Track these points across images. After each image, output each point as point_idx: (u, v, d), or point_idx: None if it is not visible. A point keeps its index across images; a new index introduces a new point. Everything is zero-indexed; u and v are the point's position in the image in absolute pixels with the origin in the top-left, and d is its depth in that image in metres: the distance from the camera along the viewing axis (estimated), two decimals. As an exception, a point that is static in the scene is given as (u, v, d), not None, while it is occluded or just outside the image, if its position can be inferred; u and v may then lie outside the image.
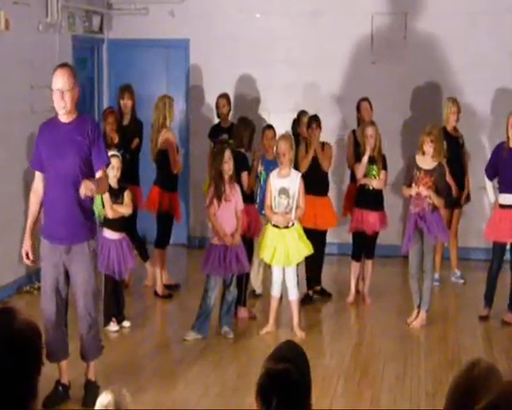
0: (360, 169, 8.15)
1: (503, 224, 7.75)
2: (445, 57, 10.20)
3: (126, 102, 8.90)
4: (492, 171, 8.00)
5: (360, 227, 8.26)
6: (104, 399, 3.12)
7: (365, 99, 9.08)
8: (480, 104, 10.12)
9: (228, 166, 7.18)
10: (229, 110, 9.45)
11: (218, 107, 9.46)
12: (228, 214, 7.24)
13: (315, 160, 8.26)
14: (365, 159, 8.10)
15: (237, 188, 7.35)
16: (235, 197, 7.28)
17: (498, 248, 7.88)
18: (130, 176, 8.39)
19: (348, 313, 8.31)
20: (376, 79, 10.26)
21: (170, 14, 10.71)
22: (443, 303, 8.69)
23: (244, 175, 7.76)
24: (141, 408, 5.42)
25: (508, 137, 7.76)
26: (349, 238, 8.63)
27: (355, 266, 8.49)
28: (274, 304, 7.48)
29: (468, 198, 9.27)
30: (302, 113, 9.12)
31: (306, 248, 7.44)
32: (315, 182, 8.08)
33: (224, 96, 9.47)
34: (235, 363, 6.75)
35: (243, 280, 7.78)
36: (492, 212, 8.18)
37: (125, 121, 8.94)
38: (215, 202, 7.20)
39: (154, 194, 8.47)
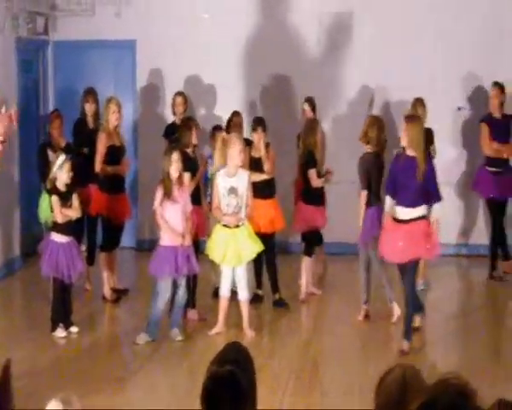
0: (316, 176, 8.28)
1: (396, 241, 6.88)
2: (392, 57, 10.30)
3: (91, 106, 8.80)
4: (393, 185, 7.00)
5: (311, 224, 8.30)
6: (53, 406, 3.09)
7: (308, 100, 9.16)
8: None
9: (175, 168, 7.18)
10: (186, 108, 9.39)
11: (174, 105, 9.38)
12: (176, 216, 7.23)
13: (259, 162, 8.27)
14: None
15: (186, 189, 7.36)
16: (183, 198, 7.27)
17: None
18: (89, 177, 8.37)
19: (299, 312, 8.33)
20: (323, 79, 10.33)
21: (116, 16, 10.62)
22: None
23: (186, 176, 7.74)
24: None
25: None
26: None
27: (308, 262, 8.49)
28: (223, 304, 7.46)
29: None
30: (235, 113, 9.14)
31: (257, 246, 7.49)
32: (259, 185, 8.03)
33: (181, 94, 9.42)
34: (184, 365, 6.75)
35: (191, 282, 7.77)
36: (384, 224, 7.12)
37: (91, 125, 8.82)
38: (163, 203, 7.19)
39: (95, 196, 8.40)
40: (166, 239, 7.26)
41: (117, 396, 6.04)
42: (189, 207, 7.35)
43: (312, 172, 8.25)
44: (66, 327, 7.39)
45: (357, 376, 6.40)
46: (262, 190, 8.11)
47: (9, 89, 9.57)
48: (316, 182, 8.23)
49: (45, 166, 8.02)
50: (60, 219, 7.26)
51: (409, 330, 6.91)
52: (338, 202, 9.51)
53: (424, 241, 6.85)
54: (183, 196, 7.28)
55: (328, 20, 10.42)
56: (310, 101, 9.28)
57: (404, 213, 6.87)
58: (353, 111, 10.31)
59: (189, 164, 7.74)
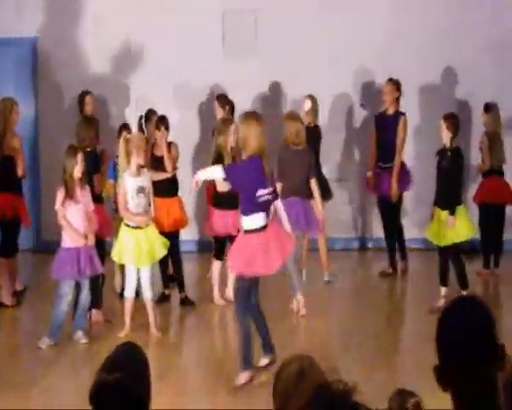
0: None
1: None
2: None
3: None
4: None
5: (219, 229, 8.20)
6: None
7: (218, 97, 9.19)
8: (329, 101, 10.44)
9: (79, 168, 7.09)
10: (95, 107, 9.24)
11: (84, 104, 9.18)
12: (78, 216, 7.16)
13: (161, 161, 8.24)
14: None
15: (87, 189, 7.30)
16: (85, 199, 7.22)
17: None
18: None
19: (209, 312, 8.31)
20: (228, 77, 10.35)
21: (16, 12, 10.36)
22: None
23: (96, 177, 7.71)
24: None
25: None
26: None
27: (217, 266, 8.34)
28: (129, 306, 7.40)
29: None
30: (150, 112, 9.07)
31: (165, 246, 7.51)
32: (162, 183, 8.02)
33: (89, 92, 9.25)
34: (88, 368, 6.62)
35: (98, 282, 7.68)
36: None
37: None
38: (66, 203, 7.10)
39: None
40: (68, 241, 7.17)
41: (20, 402, 5.92)
42: (91, 206, 7.30)
43: None
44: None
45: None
46: (165, 189, 8.10)
47: None
48: (220, 186, 7.80)
49: None
50: None
51: None
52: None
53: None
54: (84, 195, 7.22)
55: (233, 18, 10.46)
56: (219, 99, 9.25)
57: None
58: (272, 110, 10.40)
59: (93, 162, 7.66)
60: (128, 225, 7.40)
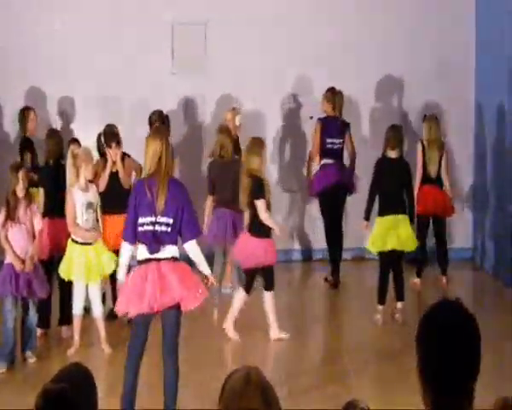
0: None
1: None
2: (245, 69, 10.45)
3: None
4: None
5: None
6: None
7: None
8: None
9: (22, 186, 6.96)
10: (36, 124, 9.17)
11: (27, 120, 9.10)
12: (20, 237, 7.00)
13: (115, 176, 8.16)
14: None
15: (34, 208, 7.14)
16: (30, 219, 7.05)
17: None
18: None
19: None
20: (177, 92, 10.36)
21: None
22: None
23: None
24: None
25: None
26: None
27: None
28: (77, 322, 7.35)
29: None
30: (108, 126, 9.00)
31: (114, 261, 7.34)
32: (117, 199, 7.74)
33: (32, 108, 9.17)
34: (39, 387, 6.54)
35: (65, 297, 7.63)
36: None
37: None
38: (7, 224, 6.95)
39: None
40: (9, 257, 7.03)
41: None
42: (38, 225, 7.12)
43: None
44: None
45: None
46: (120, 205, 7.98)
47: None
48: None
49: None
50: None
51: None
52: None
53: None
54: (29, 215, 7.05)
55: (182, 30, 10.48)
56: (155, 115, 9.14)
57: None
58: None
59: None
60: (76, 242, 7.33)
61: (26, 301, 7.10)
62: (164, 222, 5.46)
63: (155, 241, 5.45)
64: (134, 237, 5.56)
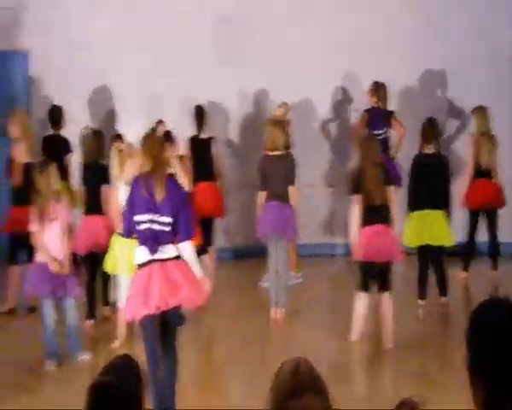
0: None
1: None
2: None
3: None
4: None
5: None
6: None
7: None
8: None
9: (51, 184, 6.91)
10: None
11: (62, 118, 9.25)
12: (55, 236, 6.94)
13: None
14: None
15: (64, 204, 7.07)
16: (61, 215, 6.99)
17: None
18: None
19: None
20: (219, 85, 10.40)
21: (10, 25, 10.38)
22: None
23: (103, 188, 7.87)
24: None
25: None
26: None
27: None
28: (123, 316, 7.28)
29: None
30: (160, 122, 9.12)
31: None
32: None
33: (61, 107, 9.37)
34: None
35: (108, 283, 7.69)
36: None
37: None
38: (41, 223, 6.87)
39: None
40: (44, 258, 6.95)
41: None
42: (69, 219, 7.08)
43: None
44: None
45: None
46: None
47: None
48: None
49: None
50: None
51: None
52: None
53: None
54: (60, 211, 7.00)
55: (224, 23, 10.50)
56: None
57: None
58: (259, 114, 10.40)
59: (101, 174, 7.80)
60: (122, 235, 7.36)
61: (62, 301, 7.06)
62: (163, 221, 5.36)
63: (154, 240, 5.36)
64: (130, 232, 5.59)
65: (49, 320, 6.94)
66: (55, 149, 8.91)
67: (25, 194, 7.83)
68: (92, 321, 7.96)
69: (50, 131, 9.34)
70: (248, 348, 7.35)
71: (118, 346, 7.29)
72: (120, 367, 2.68)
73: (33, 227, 6.90)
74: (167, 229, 5.35)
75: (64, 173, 8.57)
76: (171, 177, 5.74)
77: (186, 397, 6.17)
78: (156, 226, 5.36)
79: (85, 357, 7.12)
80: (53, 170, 6.97)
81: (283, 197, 8.00)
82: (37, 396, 6.43)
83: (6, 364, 7.16)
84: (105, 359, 6.90)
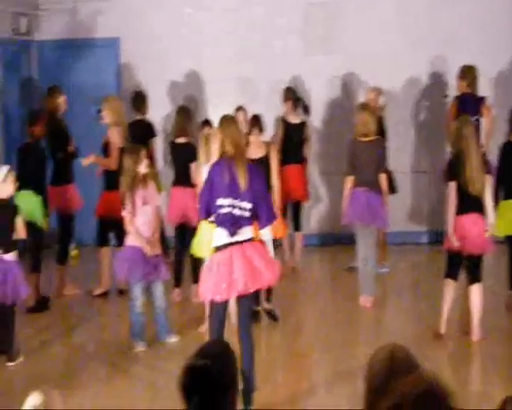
0: None
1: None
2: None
3: (63, 101, 8.72)
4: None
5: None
6: (33, 400, 3.09)
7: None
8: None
9: (143, 168, 6.98)
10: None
11: (146, 102, 9.40)
12: (147, 219, 7.00)
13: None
14: None
15: (153, 186, 7.13)
16: (152, 198, 7.07)
17: None
18: (63, 176, 8.48)
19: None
20: (312, 71, 10.35)
21: (100, 13, 10.60)
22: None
23: (193, 166, 7.97)
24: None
25: None
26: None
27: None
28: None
29: None
30: (239, 108, 9.14)
31: None
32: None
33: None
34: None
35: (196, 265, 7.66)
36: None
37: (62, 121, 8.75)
38: (134, 207, 6.92)
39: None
40: (132, 240, 7.02)
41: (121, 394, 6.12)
42: (157, 201, 7.17)
43: None
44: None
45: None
46: None
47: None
48: None
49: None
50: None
51: None
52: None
53: None
54: (150, 195, 7.06)
55: (315, 10, 10.46)
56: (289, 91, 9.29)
57: None
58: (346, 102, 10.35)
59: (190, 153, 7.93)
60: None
61: (151, 284, 7.13)
62: (243, 207, 5.43)
63: (234, 224, 5.42)
64: (208, 213, 5.57)
65: (138, 303, 7.04)
66: (141, 133, 9.04)
67: (117, 178, 7.97)
68: (178, 290, 8.15)
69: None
70: (335, 334, 7.33)
71: (205, 331, 7.31)
72: (215, 351, 2.70)
73: (126, 212, 6.97)
74: (247, 214, 5.44)
75: (149, 158, 8.70)
76: (251, 163, 5.75)
77: (272, 380, 6.23)
78: (237, 211, 5.43)
79: (173, 340, 7.20)
80: (143, 154, 7.05)
81: (372, 184, 7.88)
82: (127, 376, 6.57)
83: (99, 345, 7.37)
84: (193, 342, 7.05)
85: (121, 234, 7.45)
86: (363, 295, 7.98)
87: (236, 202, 5.43)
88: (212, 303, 5.61)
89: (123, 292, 8.35)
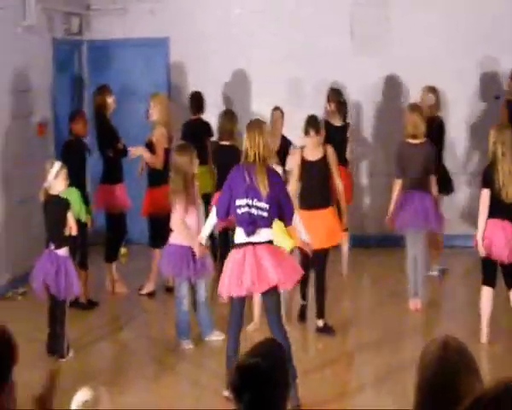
0: None
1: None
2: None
3: (112, 101, 8.76)
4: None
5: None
6: (82, 396, 3.10)
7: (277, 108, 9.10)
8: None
9: (194, 168, 7.02)
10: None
11: (202, 103, 9.45)
12: (196, 219, 6.99)
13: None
14: None
15: (197, 187, 7.14)
16: (198, 198, 7.13)
17: None
18: (113, 175, 8.54)
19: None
20: (358, 72, 10.28)
21: (150, 13, 10.68)
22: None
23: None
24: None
25: None
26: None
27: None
28: (257, 298, 7.25)
29: None
30: (276, 109, 9.14)
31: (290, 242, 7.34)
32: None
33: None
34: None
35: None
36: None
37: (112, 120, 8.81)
38: (187, 208, 6.92)
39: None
40: (178, 237, 7.01)
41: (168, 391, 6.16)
42: (198, 201, 7.12)
43: None
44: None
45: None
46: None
47: (46, 89, 9.70)
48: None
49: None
50: (75, 232, 6.91)
51: None
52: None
53: None
54: (196, 192, 7.09)
55: (361, 11, 10.39)
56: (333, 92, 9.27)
57: None
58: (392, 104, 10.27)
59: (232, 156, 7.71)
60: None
61: (195, 283, 7.12)
62: (261, 207, 5.60)
63: (252, 223, 5.60)
64: (226, 214, 5.81)
65: (184, 302, 7.07)
66: (197, 133, 9.07)
67: (162, 177, 8.01)
68: None
69: (189, 117, 9.53)
70: (384, 337, 7.25)
71: (252, 330, 7.28)
72: (266, 350, 2.67)
73: (178, 211, 6.92)
74: (265, 214, 5.60)
75: (205, 157, 8.73)
76: (270, 166, 5.82)
77: (320, 379, 6.20)
78: (255, 211, 5.61)
79: (219, 338, 7.18)
80: (194, 154, 7.05)
81: (422, 186, 7.77)
82: (173, 373, 6.62)
83: (146, 343, 7.43)
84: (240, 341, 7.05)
85: (168, 233, 7.39)
86: (413, 299, 7.88)
87: (254, 202, 5.61)
88: (231, 300, 5.86)
89: (170, 290, 8.35)
